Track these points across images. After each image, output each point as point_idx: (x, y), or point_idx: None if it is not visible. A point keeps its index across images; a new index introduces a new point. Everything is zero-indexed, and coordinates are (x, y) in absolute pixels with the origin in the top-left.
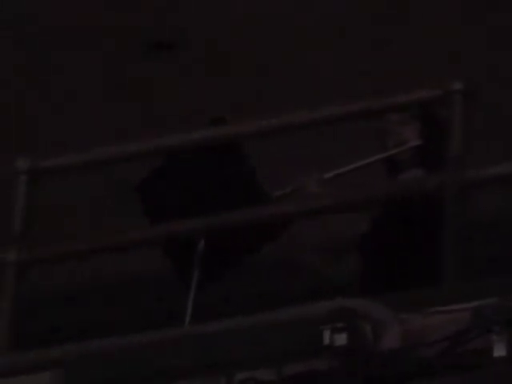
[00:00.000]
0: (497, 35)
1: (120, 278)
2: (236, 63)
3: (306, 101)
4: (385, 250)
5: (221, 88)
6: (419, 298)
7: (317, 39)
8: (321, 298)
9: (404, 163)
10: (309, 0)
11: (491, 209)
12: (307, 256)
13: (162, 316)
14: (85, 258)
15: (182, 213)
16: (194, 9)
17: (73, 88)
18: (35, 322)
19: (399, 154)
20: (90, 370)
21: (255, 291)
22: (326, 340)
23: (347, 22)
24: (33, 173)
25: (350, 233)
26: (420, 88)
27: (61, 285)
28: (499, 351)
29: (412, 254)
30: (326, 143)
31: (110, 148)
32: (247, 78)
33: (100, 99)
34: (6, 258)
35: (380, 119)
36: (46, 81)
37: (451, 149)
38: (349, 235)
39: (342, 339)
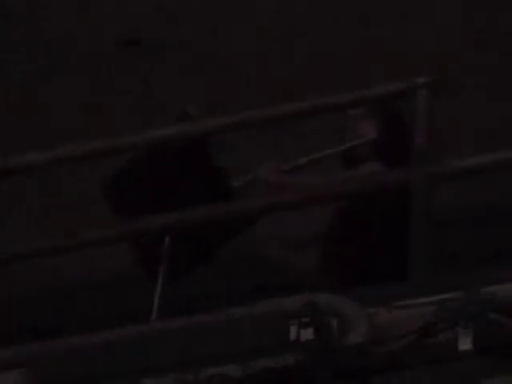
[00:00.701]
0: None
1: (87, 277)
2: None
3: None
4: (350, 245)
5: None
6: (386, 292)
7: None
8: (287, 293)
9: (361, 157)
10: None
11: (457, 202)
12: (273, 250)
13: (129, 313)
14: (50, 257)
15: (148, 209)
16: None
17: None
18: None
19: (357, 148)
20: (58, 368)
21: (221, 287)
22: (293, 335)
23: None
24: (4, 170)
25: (314, 227)
26: (385, 81)
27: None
28: (465, 344)
29: (378, 249)
30: (286, 138)
31: (77, 146)
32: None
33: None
34: None
35: (339, 114)
36: None
37: (417, 142)
38: (313, 230)
39: (308, 334)
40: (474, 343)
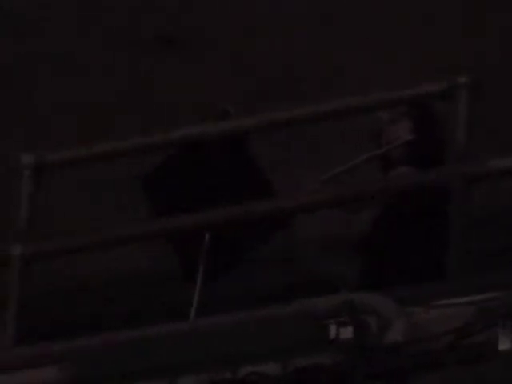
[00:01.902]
0: None
1: (124, 274)
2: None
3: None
4: (388, 245)
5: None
6: (424, 292)
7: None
8: (326, 293)
9: (397, 160)
10: None
11: (495, 203)
12: (313, 252)
13: (167, 311)
14: (88, 253)
15: (187, 207)
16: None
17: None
18: (41, 316)
19: (391, 151)
20: (96, 364)
21: (261, 285)
22: (332, 334)
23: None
24: (37, 168)
25: (352, 230)
26: (424, 82)
27: (67, 279)
28: (504, 344)
29: (416, 249)
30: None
31: (114, 143)
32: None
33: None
34: (11, 253)
35: (373, 118)
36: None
37: (455, 143)
38: (352, 233)
39: (347, 333)
40: None
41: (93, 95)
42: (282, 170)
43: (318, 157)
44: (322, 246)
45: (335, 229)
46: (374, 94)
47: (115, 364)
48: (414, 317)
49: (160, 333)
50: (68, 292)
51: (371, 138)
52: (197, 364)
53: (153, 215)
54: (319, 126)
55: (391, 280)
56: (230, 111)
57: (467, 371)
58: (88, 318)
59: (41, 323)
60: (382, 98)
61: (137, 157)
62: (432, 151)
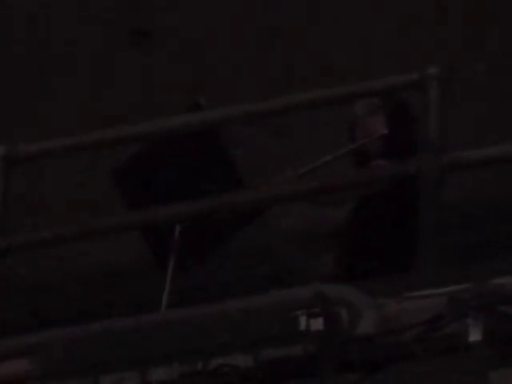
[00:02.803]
0: None
1: (98, 266)
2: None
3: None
4: (360, 237)
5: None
6: (395, 284)
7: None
8: (297, 284)
9: (372, 154)
10: None
11: (467, 193)
12: (285, 244)
13: (138, 302)
14: (62, 245)
15: (159, 199)
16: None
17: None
18: (14, 308)
19: (367, 145)
20: (66, 356)
21: (232, 277)
22: (302, 325)
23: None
24: (10, 159)
25: (326, 221)
26: (395, 73)
27: (39, 272)
28: (474, 336)
29: (388, 240)
30: (300, 135)
31: (87, 135)
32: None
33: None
34: None
35: (347, 112)
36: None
37: (427, 134)
38: (325, 223)
39: (318, 324)
40: (483, 335)
41: None
42: (257, 161)
43: (289, 147)
44: (294, 238)
45: (308, 222)
46: (345, 86)
47: (85, 355)
48: (385, 308)
49: (131, 324)
50: (49, 285)
51: (346, 132)
52: (167, 355)
53: (125, 207)
54: (289, 118)
55: (365, 272)
56: (201, 103)
57: (438, 362)
58: (65, 310)
59: (24, 316)
60: (352, 89)
61: (109, 149)
62: (407, 145)
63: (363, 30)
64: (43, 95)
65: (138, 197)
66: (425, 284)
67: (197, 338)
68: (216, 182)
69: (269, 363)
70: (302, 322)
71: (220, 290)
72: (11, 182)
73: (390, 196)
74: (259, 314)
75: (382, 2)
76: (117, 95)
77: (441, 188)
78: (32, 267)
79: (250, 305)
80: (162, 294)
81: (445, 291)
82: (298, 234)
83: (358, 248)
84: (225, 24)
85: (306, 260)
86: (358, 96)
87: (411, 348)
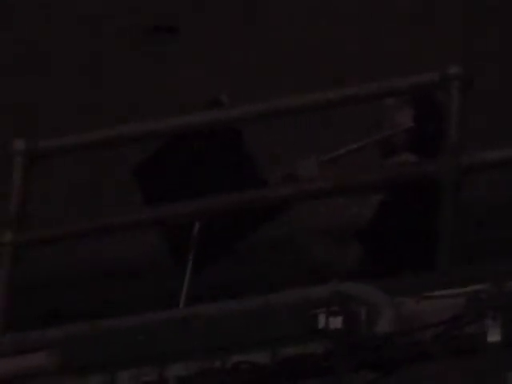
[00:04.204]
0: None
1: (116, 263)
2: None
3: (305, 86)
4: (382, 236)
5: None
6: (415, 283)
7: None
8: (317, 282)
9: (397, 147)
10: None
11: (489, 194)
12: (307, 239)
13: (157, 299)
14: (80, 240)
15: (178, 196)
16: None
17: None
18: (31, 304)
19: (393, 137)
20: (85, 351)
21: (251, 274)
22: (321, 323)
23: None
24: (30, 154)
25: (350, 218)
26: (417, 72)
27: (58, 267)
28: (493, 336)
29: (408, 240)
30: (321, 128)
31: (107, 130)
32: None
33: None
34: (2, 240)
35: (375, 104)
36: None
37: (448, 134)
38: (349, 221)
39: (337, 323)
40: (502, 336)
41: None
42: (281, 157)
43: (314, 145)
44: (319, 234)
45: (328, 217)
46: (366, 84)
47: (104, 351)
48: (404, 307)
49: (150, 320)
50: (66, 280)
51: (373, 124)
52: (186, 352)
53: (145, 203)
54: (312, 116)
55: (387, 269)
56: (223, 100)
57: (456, 363)
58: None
59: (39, 311)
60: (372, 88)
61: (130, 145)
62: (433, 139)
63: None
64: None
65: (157, 193)
66: (444, 284)
67: (215, 336)
68: (236, 178)
69: (287, 361)
70: (321, 320)
71: (238, 287)
72: (31, 177)
73: (411, 194)
74: (278, 312)
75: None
76: (134, 92)
77: (460, 188)
78: (51, 262)
79: (269, 302)
80: (181, 291)
81: (464, 291)
82: (322, 230)
83: (380, 247)
84: None
85: (329, 257)
86: (379, 96)
87: (429, 348)
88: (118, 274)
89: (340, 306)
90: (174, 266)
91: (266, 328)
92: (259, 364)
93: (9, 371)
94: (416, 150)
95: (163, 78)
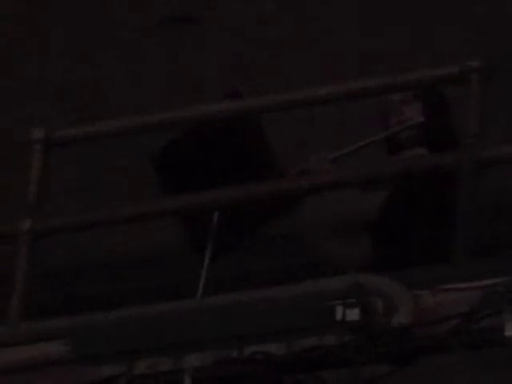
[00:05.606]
0: None
1: (133, 251)
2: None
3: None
4: (398, 229)
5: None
6: (432, 275)
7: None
8: (333, 274)
9: (406, 142)
10: None
11: (505, 187)
12: (322, 232)
13: (174, 289)
14: (97, 230)
15: (197, 185)
16: None
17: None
18: (48, 293)
19: (401, 133)
20: (100, 340)
21: (268, 265)
22: (339, 315)
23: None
24: (49, 142)
25: (363, 212)
26: (436, 65)
27: (74, 256)
28: (510, 330)
29: (425, 232)
30: (333, 123)
31: (124, 120)
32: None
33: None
34: (20, 228)
35: (382, 99)
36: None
37: (467, 127)
38: (362, 214)
39: (354, 314)
40: None
41: None
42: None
43: (326, 138)
44: (330, 227)
45: (343, 209)
46: (385, 77)
47: (119, 340)
48: (421, 300)
49: (166, 310)
50: (86, 267)
51: (378, 120)
52: (202, 342)
53: (162, 193)
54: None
55: (401, 261)
56: (240, 91)
57: (473, 356)
58: (101, 294)
59: (59, 299)
60: (390, 81)
61: (148, 133)
62: (442, 135)
63: None
64: None
65: (176, 183)
66: (461, 277)
67: (232, 325)
68: (254, 169)
69: (303, 352)
70: (339, 311)
71: (255, 277)
72: (50, 165)
73: (428, 186)
74: (295, 303)
75: None
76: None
77: (479, 182)
78: (68, 250)
79: (285, 293)
80: (198, 280)
81: (481, 284)
82: (334, 222)
83: (396, 237)
84: None
85: (341, 249)
86: (396, 89)
87: (446, 341)
88: (135, 262)
89: (357, 298)
90: (193, 254)
91: (283, 319)
92: (275, 355)
93: (24, 360)
94: (427, 144)
95: (184, 67)
